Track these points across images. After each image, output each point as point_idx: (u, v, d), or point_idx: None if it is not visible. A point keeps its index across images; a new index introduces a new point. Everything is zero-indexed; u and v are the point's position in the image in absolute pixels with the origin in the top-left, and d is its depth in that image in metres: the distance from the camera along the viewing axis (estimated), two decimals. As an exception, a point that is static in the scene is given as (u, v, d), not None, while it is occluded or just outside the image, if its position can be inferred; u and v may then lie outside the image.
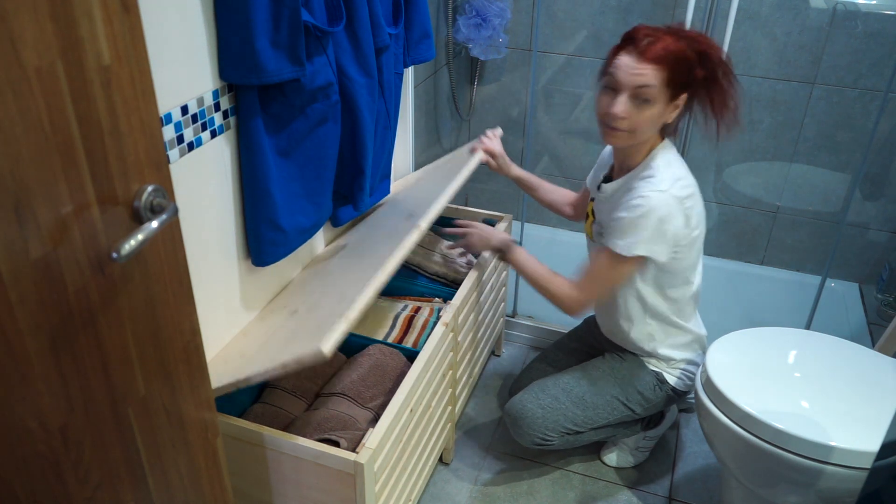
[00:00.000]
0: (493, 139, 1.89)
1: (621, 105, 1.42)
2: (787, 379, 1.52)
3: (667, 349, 1.67)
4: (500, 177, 2.92)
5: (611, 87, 1.44)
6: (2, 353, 0.67)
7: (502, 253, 1.68)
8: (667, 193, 1.44)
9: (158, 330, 0.90)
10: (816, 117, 2.35)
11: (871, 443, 1.34)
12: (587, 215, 1.73)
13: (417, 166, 2.29)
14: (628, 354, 1.71)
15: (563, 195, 1.92)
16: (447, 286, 1.83)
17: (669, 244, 1.47)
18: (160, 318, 0.90)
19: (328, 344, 1.14)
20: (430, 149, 2.57)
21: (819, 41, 2.24)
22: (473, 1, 2.40)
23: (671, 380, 1.69)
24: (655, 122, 1.45)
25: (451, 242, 1.74)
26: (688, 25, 2.05)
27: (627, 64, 1.40)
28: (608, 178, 1.62)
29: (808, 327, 2.14)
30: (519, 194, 2.84)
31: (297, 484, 1.33)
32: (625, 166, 1.56)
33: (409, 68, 1.99)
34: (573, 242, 2.76)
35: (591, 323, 1.92)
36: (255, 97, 1.32)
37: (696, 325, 1.70)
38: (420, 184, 1.92)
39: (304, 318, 1.37)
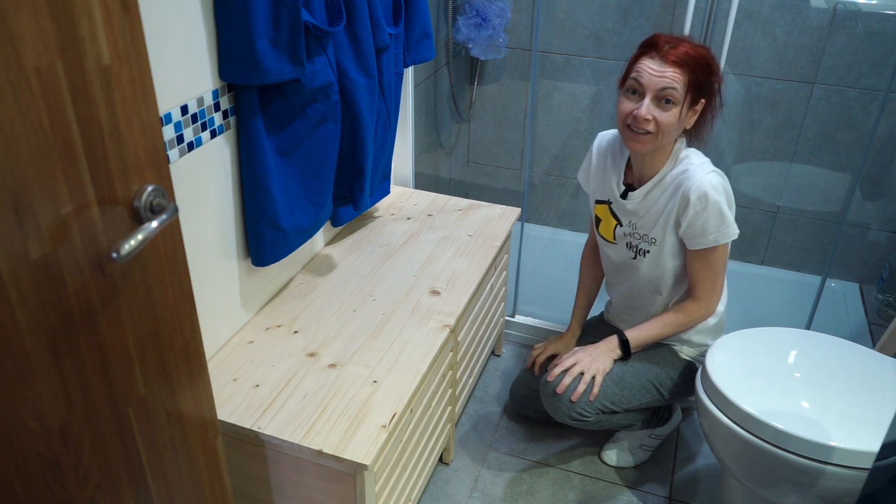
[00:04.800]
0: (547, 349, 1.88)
1: (647, 107, 1.46)
2: (787, 379, 1.52)
3: (698, 335, 1.71)
4: (501, 176, 2.93)
5: (633, 91, 1.49)
6: (2, 353, 0.67)
7: (619, 350, 1.67)
8: (714, 173, 1.53)
9: (158, 330, 0.90)
10: (816, 117, 2.35)
11: (872, 443, 1.34)
12: (598, 219, 1.74)
13: (417, 166, 2.29)
14: (661, 344, 1.73)
15: (594, 267, 1.90)
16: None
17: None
18: (160, 318, 0.90)
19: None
20: (430, 149, 2.58)
21: (819, 41, 2.24)
22: (473, 1, 2.40)
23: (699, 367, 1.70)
24: (679, 124, 1.50)
25: (573, 388, 1.62)
26: (687, 25, 2.06)
27: (651, 67, 1.46)
28: (630, 186, 1.65)
29: (808, 327, 2.13)
30: (518, 195, 2.84)
31: (297, 484, 1.33)
32: (648, 172, 1.60)
33: (409, 68, 1.99)
34: (573, 241, 2.76)
35: (595, 325, 1.92)
36: (255, 97, 1.32)
37: (723, 305, 1.73)
38: (442, 248, 1.87)
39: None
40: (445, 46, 2.47)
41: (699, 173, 1.52)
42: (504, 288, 2.11)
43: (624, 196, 1.65)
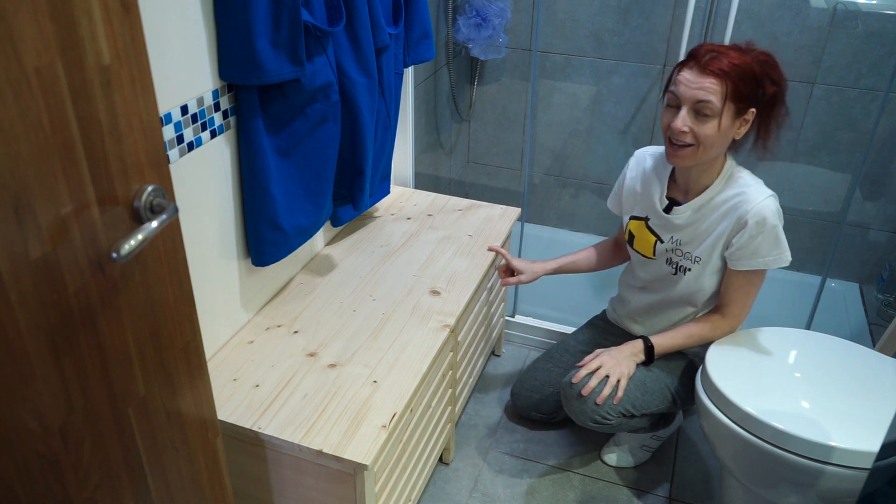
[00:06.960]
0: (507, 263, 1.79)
1: (682, 119, 1.44)
2: (787, 379, 1.52)
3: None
4: (501, 176, 2.93)
5: (673, 103, 1.47)
6: (2, 353, 0.67)
7: (643, 355, 1.66)
8: (772, 197, 1.52)
9: (158, 330, 0.90)
10: (816, 117, 2.35)
11: (872, 443, 1.34)
12: (632, 235, 1.72)
13: (417, 167, 2.29)
14: (676, 353, 1.72)
15: (602, 252, 1.88)
16: None
17: None
18: (160, 318, 0.90)
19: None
20: (430, 149, 2.58)
21: (819, 41, 2.24)
22: (473, 1, 2.40)
23: None
24: (722, 137, 1.47)
25: (599, 390, 1.60)
26: (687, 25, 2.06)
27: (688, 78, 1.43)
28: (674, 202, 1.62)
29: (808, 327, 2.14)
30: (518, 195, 2.84)
31: (297, 484, 1.33)
32: (696, 187, 1.58)
33: (409, 68, 1.99)
34: (573, 242, 2.76)
35: (598, 325, 1.92)
36: (255, 97, 1.32)
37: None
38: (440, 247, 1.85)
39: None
40: (445, 46, 2.47)
41: (758, 197, 1.50)
42: (504, 288, 2.11)
43: (668, 210, 1.62)
